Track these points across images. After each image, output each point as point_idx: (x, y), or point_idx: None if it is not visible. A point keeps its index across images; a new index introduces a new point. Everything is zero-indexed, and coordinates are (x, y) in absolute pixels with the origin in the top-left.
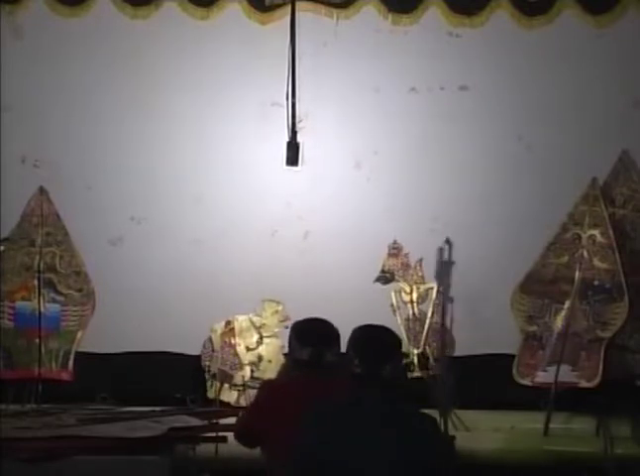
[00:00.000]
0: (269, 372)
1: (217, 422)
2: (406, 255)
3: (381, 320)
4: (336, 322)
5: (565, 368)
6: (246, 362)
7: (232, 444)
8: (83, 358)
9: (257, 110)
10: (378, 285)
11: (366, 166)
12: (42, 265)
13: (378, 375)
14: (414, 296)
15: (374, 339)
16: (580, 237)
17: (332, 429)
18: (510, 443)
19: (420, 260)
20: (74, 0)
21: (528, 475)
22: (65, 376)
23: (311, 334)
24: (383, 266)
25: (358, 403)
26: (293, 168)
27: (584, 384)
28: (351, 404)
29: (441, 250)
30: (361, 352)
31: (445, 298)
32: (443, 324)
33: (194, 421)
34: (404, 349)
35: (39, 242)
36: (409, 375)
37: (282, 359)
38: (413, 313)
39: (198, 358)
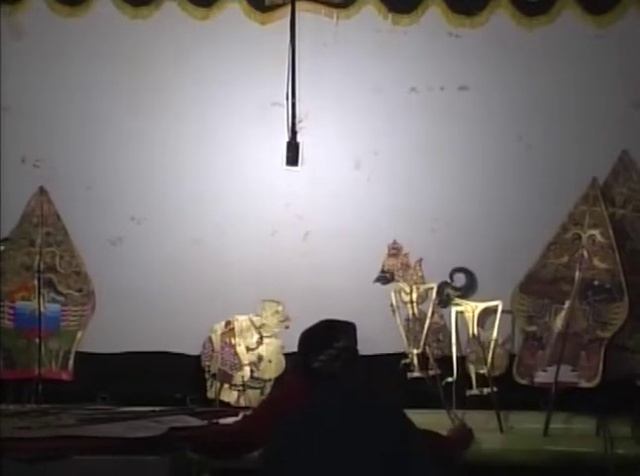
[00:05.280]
0: (269, 372)
1: (217, 422)
2: (406, 255)
3: (381, 320)
4: None
5: (565, 368)
6: (246, 362)
7: None
8: (83, 358)
9: (257, 110)
10: (378, 285)
11: (366, 166)
12: (42, 265)
13: (325, 370)
14: (414, 296)
15: (308, 332)
16: (580, 237)
17: (295, 432)
18: (510, 443)
19: (420, 260)
20: (74, 0)
21: (528, 475)
22: (65, 376)
23: None
24: (383, 266)
25: (316, 402)
26: (293, 168)
27: (584, 384)
28: (310, 403)
29: None
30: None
31: None
32: None
33: (194, 421)
34: (404, 349)
35: (39, 242)
36: (409, 375)
37: (282, 359)
38: (413, 313)
39: (198, 358)
